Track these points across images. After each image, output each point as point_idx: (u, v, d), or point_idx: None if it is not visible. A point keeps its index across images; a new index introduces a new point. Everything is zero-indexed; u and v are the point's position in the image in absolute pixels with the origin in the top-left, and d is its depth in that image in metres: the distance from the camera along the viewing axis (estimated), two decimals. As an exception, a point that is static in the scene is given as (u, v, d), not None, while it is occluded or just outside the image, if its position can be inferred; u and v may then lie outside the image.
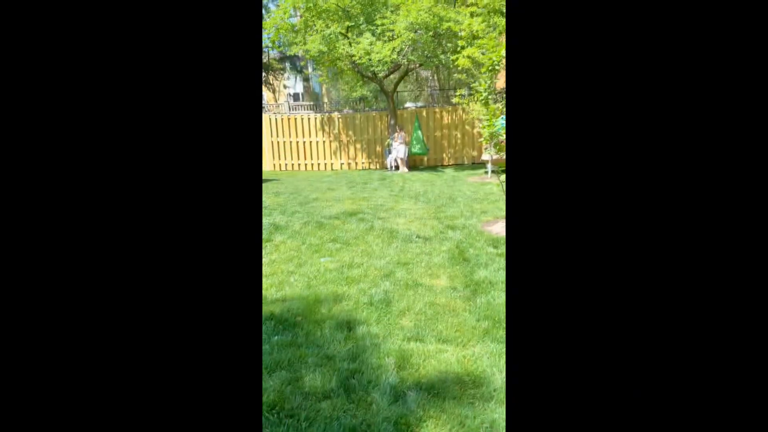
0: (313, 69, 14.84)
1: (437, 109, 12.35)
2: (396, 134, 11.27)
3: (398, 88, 17.67)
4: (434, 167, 12.12)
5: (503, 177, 4.71)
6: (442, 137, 12.39)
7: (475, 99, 5.37)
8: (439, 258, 3.91)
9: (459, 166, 12.12)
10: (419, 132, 11.44)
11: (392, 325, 2.64)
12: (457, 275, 3.50)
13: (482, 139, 5.59)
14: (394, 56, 9.61)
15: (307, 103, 15.13)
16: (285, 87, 21.14)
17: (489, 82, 4.38)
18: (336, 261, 3.87)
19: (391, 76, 13.27)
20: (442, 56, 9.94)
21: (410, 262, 3.81)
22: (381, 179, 9.77)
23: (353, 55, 9.97)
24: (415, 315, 2.78)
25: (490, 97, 4.34)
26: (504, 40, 4.09)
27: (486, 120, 4.41)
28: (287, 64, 19.43)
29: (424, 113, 12.36)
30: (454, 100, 9.83)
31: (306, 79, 21.53)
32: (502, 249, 4.18)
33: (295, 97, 21.36)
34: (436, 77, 18.88)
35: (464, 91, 9.50)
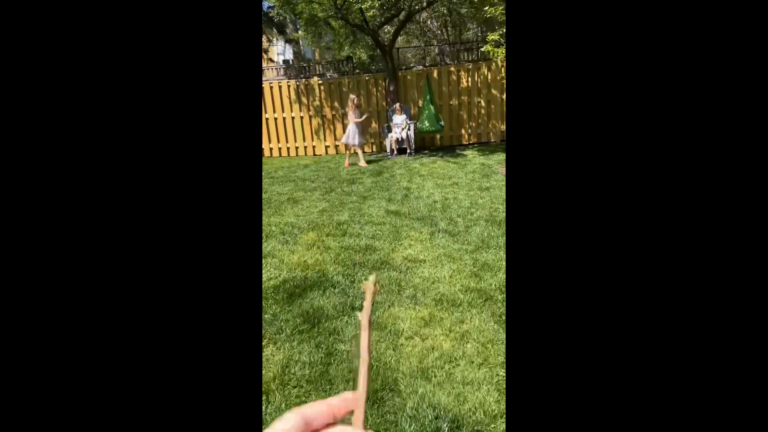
0: (298, 27, 11.40)
1: (453, 68, 9.05)
2: (351, 112, 7.95)
3: (401, 47, 14.41)
4: (450, 148, 8.94)
5: None
6: (459, 106, 9.14)
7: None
8: None
9: (483, 145, 8.92)
10: (430, 102, 8.20)
11: None
12: None
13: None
14: (390, -15, 6.33)
15: (276, 65, 11.73)
16: (265, 52, 17.69)
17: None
18: None
19: (389, 29, 9.91)
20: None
21: None
22: (376, 174, 6.65)
23: (329, -11, 6.70)
24: None
25: None
26: None
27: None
28: (274, 29, 16.01)
29: (435, 74, 9.07)
30: (485, 48, 6.58)
31: (289, 41, 18.05)
32: None
33: (285, 64, 17.91)
34: (446, 32, 15.37)
35: (498, 36, 6.22)
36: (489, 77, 8.89)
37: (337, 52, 11.08)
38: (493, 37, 6.15)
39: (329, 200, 5.07)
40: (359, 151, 7.68)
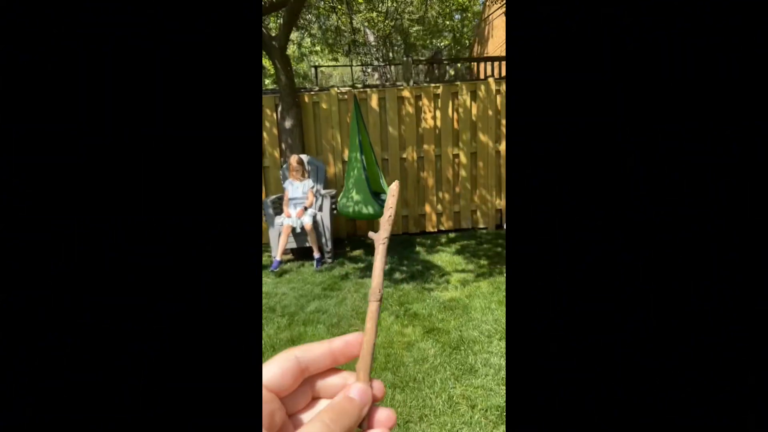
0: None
1: (407, 92, 4.78)
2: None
3: (323, 65, 10.35)
4: (404, 244, 4.55)
5: None
6: (419, 164, 4.86)
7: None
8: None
9: (466, 236, 4.64)
10: (360, 153, 3.78)
11: None
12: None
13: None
14: None
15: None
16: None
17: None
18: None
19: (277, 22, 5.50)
20: None
21: None
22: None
23: None
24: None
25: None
26: None
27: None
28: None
29: (374, 102, 4.75)
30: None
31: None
32: None
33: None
34: (388, 50, 11.33)
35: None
36: (475, 111, 4.71)
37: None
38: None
39: None
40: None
